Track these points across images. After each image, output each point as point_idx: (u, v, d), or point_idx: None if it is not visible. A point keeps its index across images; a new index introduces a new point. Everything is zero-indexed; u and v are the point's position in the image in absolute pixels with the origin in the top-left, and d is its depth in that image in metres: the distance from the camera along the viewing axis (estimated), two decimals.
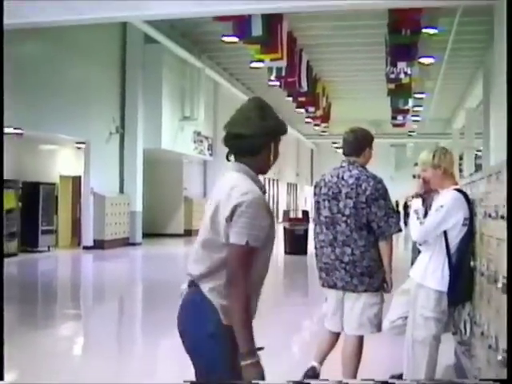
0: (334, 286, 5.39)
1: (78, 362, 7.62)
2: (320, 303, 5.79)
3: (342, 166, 5.46)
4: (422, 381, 4.89)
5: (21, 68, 17.50)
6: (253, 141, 3.41)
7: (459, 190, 5.04)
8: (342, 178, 5.35)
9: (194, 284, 3.29)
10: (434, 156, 5.12)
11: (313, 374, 5.55)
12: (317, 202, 5.54)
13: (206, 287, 3.20)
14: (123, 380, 6.42)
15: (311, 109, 29.17)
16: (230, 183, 3.34)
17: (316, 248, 5.56)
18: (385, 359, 6.15)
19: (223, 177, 3.51)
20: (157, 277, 15.64)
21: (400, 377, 5.29)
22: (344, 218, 5.27)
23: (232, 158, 3.55)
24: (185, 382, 3.34)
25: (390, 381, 4.89)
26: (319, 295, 5.87)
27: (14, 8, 9.71)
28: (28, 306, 11.64)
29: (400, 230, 5.36)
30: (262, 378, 2.97)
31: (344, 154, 5.57)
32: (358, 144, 5.51)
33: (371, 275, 5.25)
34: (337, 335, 5.62)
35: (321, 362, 5.62)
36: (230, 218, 3.14)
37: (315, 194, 5.59)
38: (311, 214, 5.73)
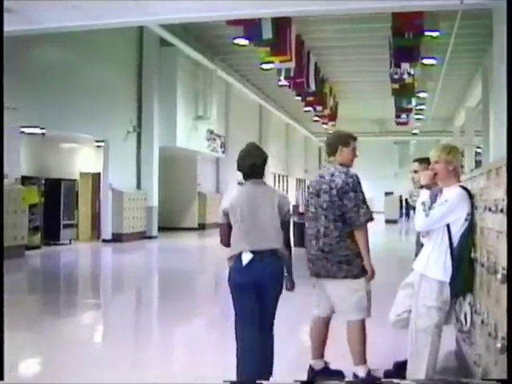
0: (318, 275, 5.57)
1: (98, 350, 7.63)
2: None
3: (324, 166, 5.79)
4: (422, 381, 4.90)
5: (43, 71, 17.56)
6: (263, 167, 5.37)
7: (463, 187, 5.05)
8: (322, 177, 5.59)
9: (273, 252, 5.14)
10: (449, 152, 5.16)
11: (323, 371, 5.63)
12: (306, 201, 5.80)
13: (280, 253, 5.20)
14: (140, 368, 6.44)
15: (319, 108, 29.17)
16: (275, 190, 5.63)
17: (306, 241, 5.72)
18: (390, 348, 6.15)
19: (257, 187, 5.29)
20: (172, 268, 15.67)
21: (404, 364, 5.30)
22: (323, 212, 5.50)
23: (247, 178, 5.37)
24: (224, 381, 4.54)
25: (395, 381, 4.91)
26: None
27: (32, 14, 9.74)
28: (51, 295, 11.69)
29: (371, 220, 5.47)
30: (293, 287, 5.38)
31: (326, 155, 5.84)
32: (332, 145, 5.73)
33: (349, 263, 5.41)
34: (325, 324, 5.72)
35: (321, 357, 5.70)
36: (288, 210, 5.31)
37: (307, 194, 5.82)
38: None
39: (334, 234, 5.41)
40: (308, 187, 5.85)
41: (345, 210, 5.39)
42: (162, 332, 8.53)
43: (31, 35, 12.15)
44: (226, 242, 5.43)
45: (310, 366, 5.65)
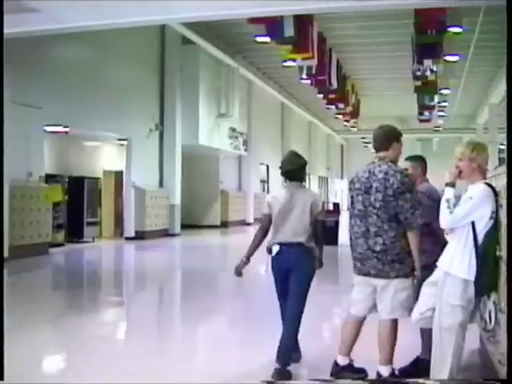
0: (367, 274, 5.44)
1: (121, 346, 7.65)
2: (349, 291, 5.77)
3: (373, 162, 5.52)
4: (446, 381, 4.85)
5: (67, 70, 17.65)
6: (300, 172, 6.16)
7: (489, 185, 4.99)
8: (373, 174, 5.40)
9: (298, 244, 5.87)
10: (472, 149, 5.09)
11: (348, 367, 5.58)
12: (351, 197, 5.61)
13: (308, 244, 5.89)
14: (163, 364, 6.44)
15: (341, 105, 29.04)
16: (311, 193, 6.26)
17: (351, 239, 5.59)
18: (412, 344, 6.10)
19: (294, 189, 6.06)
20: (195, 265, 15.70)
21: (418, 361, 5.35)
22: (375, 211, 5.34)
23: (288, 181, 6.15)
24: (262, 381, 4.82)
25: (420, 381, 4.87)
26: (349, 284, 5.87)
27: (56, 14, 9.77)
28: (74, 292, 11.75)
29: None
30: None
31: (375, 150, 5.62)
32: (385, 139, 5.54)
33: (401, 262, 5.30)
34: (360, 324, 5.62)
35: (348, 354, 5.61)
36: (320, 211, 6.03)
37: (350, 189, 5.66)
38: (342, 207, 5.85)
39: (390, 234, 5.29)
40: (352, 182, 5.64)
41: (400, 210, 5.26)
42: (185, 329, 8.52)
43: (55, 35, 12.21)
44: (262, 230, 6.23)
45: (335, 362, 5.62)
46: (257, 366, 6.19)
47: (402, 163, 6.15)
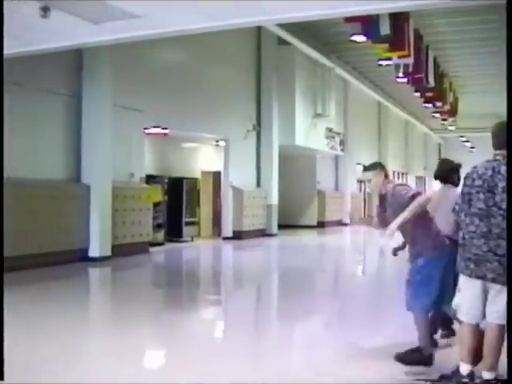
0: (483, 277, 5.08)
1: (218, 344, 7.72)
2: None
3: (495, 160, 5.15)
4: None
5: (166, 73, 17.96)
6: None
7: None
8: (499, 172, 5.05)
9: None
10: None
11: (470, 378, 5.23)
12: (468, 194, 5.24)
13: None
14: (260, 363, 6.45)
15: (438, 104, 28.47)
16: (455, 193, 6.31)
17: (464, 239, 5.23)
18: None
19: (442, 190, 6.80)
20: (292, 265, 15.69)
21: None
22: (501, 212, 4.98)
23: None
24: (416, 380, 4.78)
25: None
26: None
27: (156, 19, 9.92)
28: (174, 290, 11.94)
29: None
30: None
31: (494, 148, 5.25)
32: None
33: None
34: (477, 327, 5.26)
35: (473, 362, 5.26)
36: None
37: (466, 185, 5.29)
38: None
39: None
40: (470, 178, 5.25)
41: None
42: (281, 328, 8.52)
43: (152, 38, 12.43)
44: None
45: (457, 368, 5.33)
46: (354, 366, 6.12)
47: (361, 174, 6.13)
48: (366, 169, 6.30)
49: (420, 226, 5.90)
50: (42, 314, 8.76)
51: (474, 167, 5.28)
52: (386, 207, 6.07)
